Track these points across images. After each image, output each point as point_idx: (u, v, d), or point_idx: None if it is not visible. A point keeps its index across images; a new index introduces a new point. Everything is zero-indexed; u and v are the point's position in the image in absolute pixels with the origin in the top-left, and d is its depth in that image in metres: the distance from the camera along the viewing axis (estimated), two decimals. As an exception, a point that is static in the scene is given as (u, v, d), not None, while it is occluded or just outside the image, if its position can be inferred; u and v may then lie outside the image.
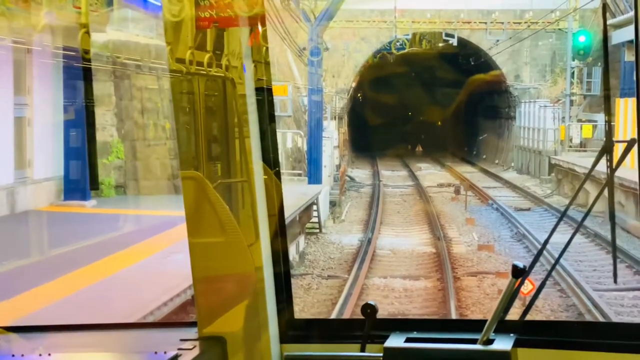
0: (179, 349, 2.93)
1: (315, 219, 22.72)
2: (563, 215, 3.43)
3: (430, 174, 41.01)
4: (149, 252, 13.17)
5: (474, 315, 14.44)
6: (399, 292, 16.10)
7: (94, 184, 3.62)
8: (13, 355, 2.90)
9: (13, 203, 16.29)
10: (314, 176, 26.04)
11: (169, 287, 10.50)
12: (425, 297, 15.73)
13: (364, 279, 16.83)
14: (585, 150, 34.85)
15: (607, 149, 3.03)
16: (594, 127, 35.81)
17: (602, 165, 3.12)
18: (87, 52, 3.19)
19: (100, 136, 19.74)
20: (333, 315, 13.88)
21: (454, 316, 13.82)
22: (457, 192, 30.62)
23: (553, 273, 14.24)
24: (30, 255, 12.84)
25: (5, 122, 16.39)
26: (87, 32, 3.20)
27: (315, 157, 26.82)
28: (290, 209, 17.84)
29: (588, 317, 13.93)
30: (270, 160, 3.29)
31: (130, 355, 2.98)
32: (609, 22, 28.96)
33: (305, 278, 17.22)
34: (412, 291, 16.20)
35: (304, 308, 14.78)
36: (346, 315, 13.98)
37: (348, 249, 20.57)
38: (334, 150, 32.18)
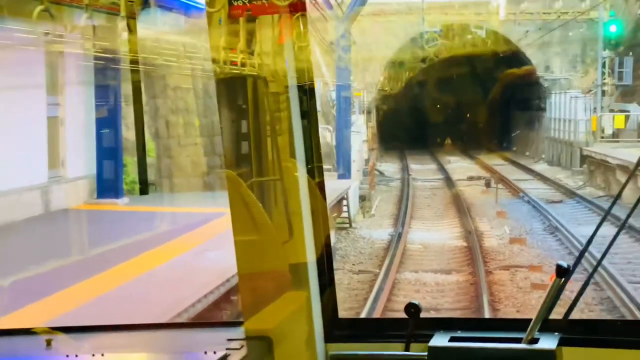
0: (227, 349, 2.97)
1: (345, 214, 22.74)
2: (608, 212, 3.41)
3: (460, 167, 40.82)
4: (182, 249, 13.29)
5: (507, 309, 14.36)
6: (430, 287, 16.08)
7: (144, 187, 3.67)
8: (67, 356, 2.97)
9: (47, 202, 16.50)
10: (343, 171, 26.06)
11: (202, 284, 10.59)
12: (458, 292, 15.69)
13: (395, 273, 16.82)
14: (617, 141, 34.46)
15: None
16: (627, 117, 35.39)
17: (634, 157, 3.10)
18: (129, 53, 3.23)
19: (130, 135, 19.92)
20: (365, 311, 13.89)
21: (486, 310, 13.77)
22: (487, 185, 30.46)
23: (586, 265, 14.10)
24: (65, 254, 13.00)
25: (39, 122, 16.60)
26: (129, 35, 3.24)
27: (344, 151, 26.84)
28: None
29: (623, 311, 13.80)
30: (312, 156, 3.32)
31: (181, 355, 3.03)
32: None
33: (337, 273, 17.24)
34: (444, 285, 16.16)
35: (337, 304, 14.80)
36: (378, 310, 13.98)
37: (378, 243, 20.57)
38: (363, 144, 32.15)
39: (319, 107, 30.75)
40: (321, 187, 3.36)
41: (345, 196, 22.38)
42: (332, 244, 20.28)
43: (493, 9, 42.36)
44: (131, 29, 3.40)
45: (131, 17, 3.45)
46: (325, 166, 28.75)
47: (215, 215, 14.51)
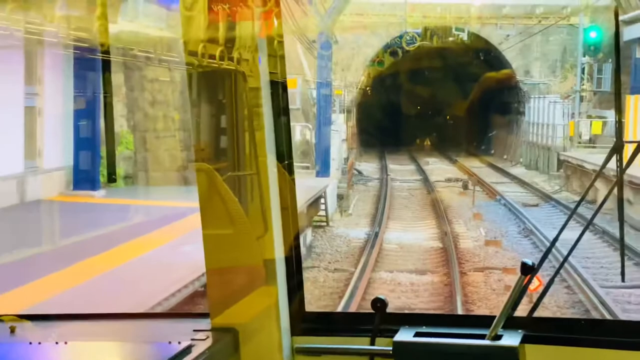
0: (192, 339, 2.98)
1: (322, 212, 22.77)
2: (573, 212, 3.45)
3: (438, 168, 40.99)
4: (157, 243, 13.24)
5: (480, 310, 14.46)
6: (405, 287, 16.14)
7: (112, 175, 3.66)
8: (30, 343, 2.96)
9: (23, 192, 16.38)
10: (322, 169, 26.09)
11: (176, 279, 10.56)
12: (432, 292, 15.76)
13: (371, 272, 16.87)
14: (594, 147, 34.75)
15: (617, 149, 3.05)
16: (604, 123, 35.70)
17: (612, 163, 3.14)
18: (103, 44, 3.22)
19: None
20: (339, 309, 13.92)
21: (460, 311, 13.85)
22: (465, 187, 30.61)
23: (560, 270, 14.23)
24: (39, 244, 12.91)
25: (16, 112, 16.47)
26: (104, 24, 3.23)
27: (324, 150, 26.85)
28: (298, 202, 17.84)
29: (595, 314, 13.94)
30: (284, 153, 3.32)
31: (145, 344, 3.03)
32: (620, 18, 28.85)
33: (312, 271, 17.26)
34: (418, 285, 16.23)
35: (310, 301, 14.84)
36: (353, 308, 14.02)
37: (355, 242, 20.61)
38: (342, 143, 32.19)
39: (299, 105, 30.79)
40: (292, 184, 3.37)
41: (323, 194, 22.40)
42: (308, 242, 20.26)
43: (475, 12, 42.58)
44: (105, 18, 3.38)
45: (106, 6, 3.44)
46: (304, 164, 28.78)
47: (192, 210, 14.44)
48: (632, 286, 15.79)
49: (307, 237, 19.84)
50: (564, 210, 25.20)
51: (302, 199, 18.70)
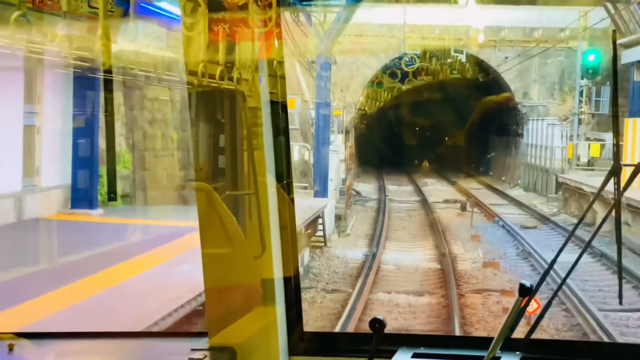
0: (190, 359, 2.97)
1: (320, 233, 22.75)
2: (571, 235, 3.47)
3: (437, 189, 41.02)
4: (154, 262, 13.21)
5: (478, 332, 14.42)
6: (403, 308, 16.10)
7: (112, 194, 3.67)
8: None
9: (20, 210, 16.36)
10: (320, 189, 26.08)
11: (172, 299, 10.53)
12: (430, 314, 15.72)
13: (368, 293, 16.83)
14: (592, 169, 34.81)
15: (615, 172, 3.06)
16: (602, 146, 35.79)
17: (610, 186, 3.16)
18: (105, 64, 3.24)
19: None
20: (337, 330, 13.88)
21: (457, 333, 13.81)
22: (463, 208, 30.61)
23: (558, 292, 14.21)
24: (37, 263, 12.89)
25: (15, 130, 16.49)
26: (107, 44, 3.24)
27: (322, 170, 26.86)
28: (296, 222, 17.85)
29: (593, 337, 13.90)
30: (283, 172, 3.33)
31: None
32: (618, 41, 29.01)
33: (310, 292, 17.23)
34: (416, 307, 16.19)
35: (307, 322, 14.76)
36: (350, 329, 13.98)
37: (353, 263, 20.58)
38: (341, 163, 32.23)
39: (297, 125, 30.84)
40: (291, 203, 3.38)
41: (321, 214, 22.39)
42: (306, 262, 20.24)
43: (473, 34, 42.81)
44: (108, 38, 3.41)
45: (109, 27, 3.45)
46: (302, 184, 28.78)
47: (189, 229, 14.45)
48: (630, 309, 15.76)
49: (304, 257, 19.82)
50: (562, 233, 25.19)
51: (300, 219, 18.69)
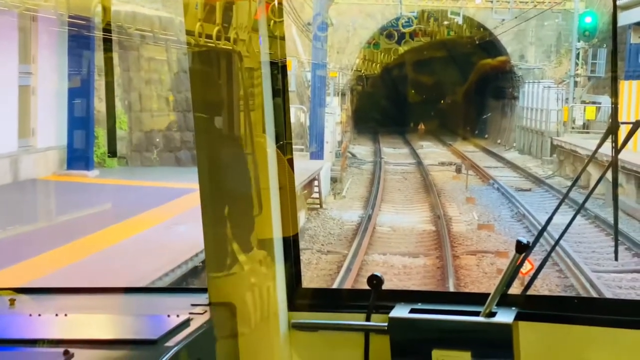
0: (191, 313, 3.02)
1: (316, 195, 22.80)
2: (565, 196, 3.49)
3: (432, 152, 41.04)
4: (150, 223, 13.26)
5: (472, 293, 14.56)
6: (398, 269, 16.22)
7: (112, 148, 3.67)
8: (30, 315, 2.99)
9: (16, 171, 16.37)
10: (316, 152, 26.09)
11: (170, 259, 10.59)
12: (424, 275, 15.84)
13: (364, 255, 16.94)
14: (588, 132, 34.83)
15: (612, 130, 3.08)
16: (598, 109, 35.76)
17: (605, 148, 3.17)
18: (104, 21, 3.22)
19: (103, 106, 19.75)
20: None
21: (452, 293, 13.95)
22: (458, 171, 30.67)
23: (552, 254, 14.33)
24: (33, 222, 12.93)
25: (10, 91, 16.42)
26: (107, 2, 3.22)
27: (318, 132, 26.85)
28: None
29: (585, 298, 14.04)
30: (282, 133, 3.35)
31: (144, 317, 3.07)
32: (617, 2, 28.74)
33: (305, 253, 17.32)
34: (411, 268, 16.31)
35: (303, 282, 14.89)
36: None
37: (348, 225, 20.67)
38: (336, 126, 32.18)
39: (293, 87, 30.70)
40: (290, 164, 3.40)
41: (316, 177, 22.42)
42: (302, 224, 20.29)
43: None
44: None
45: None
46: (298, 146, 28.75)
47: (186, 190, 14.49)
48: (623, 271, 15.91)
49: (300, 219, 19.90)
50: (556, 195, 25.29)
51: (296, 180, 18.67)
